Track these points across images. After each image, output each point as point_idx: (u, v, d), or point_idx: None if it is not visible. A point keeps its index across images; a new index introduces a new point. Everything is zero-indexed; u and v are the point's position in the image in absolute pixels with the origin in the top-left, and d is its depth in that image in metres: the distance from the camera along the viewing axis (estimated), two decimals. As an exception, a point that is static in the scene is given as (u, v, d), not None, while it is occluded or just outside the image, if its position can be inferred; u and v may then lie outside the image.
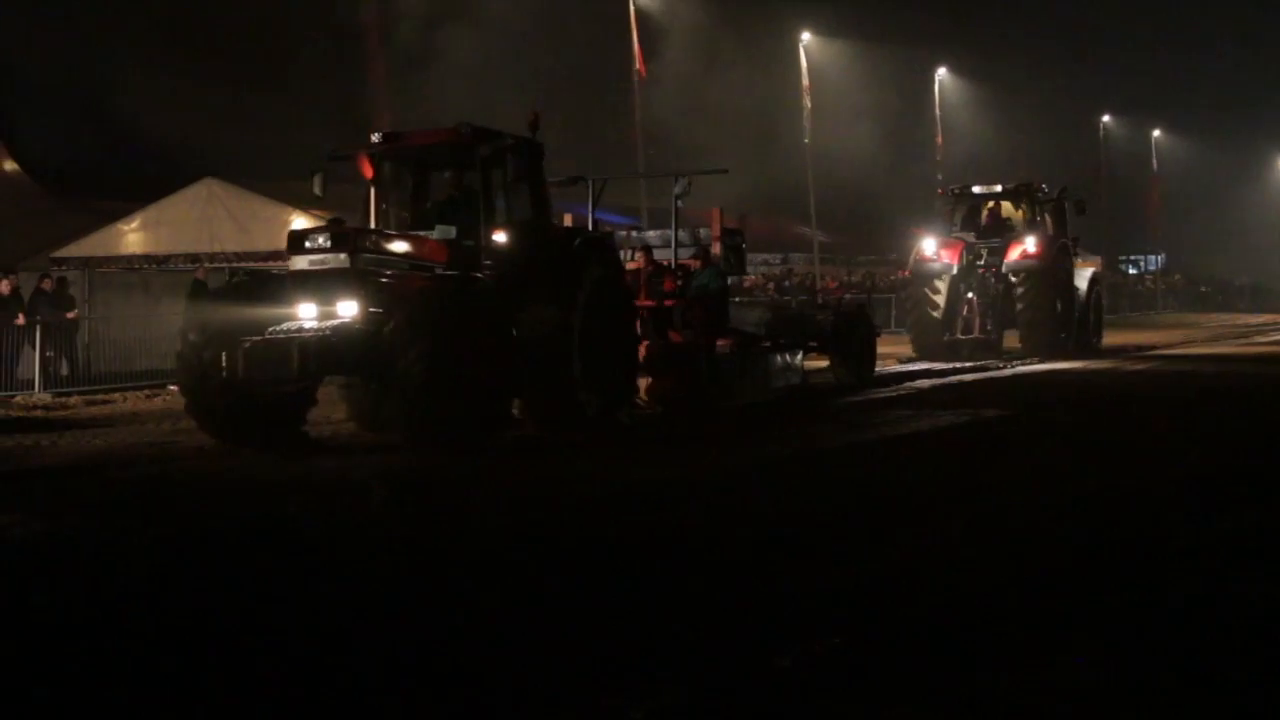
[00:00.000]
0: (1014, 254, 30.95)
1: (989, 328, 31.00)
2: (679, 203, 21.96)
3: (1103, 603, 7.74)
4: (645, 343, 19.54)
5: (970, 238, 31.80)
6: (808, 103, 51.70)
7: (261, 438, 15.33)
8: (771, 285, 43.70)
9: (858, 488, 12.25)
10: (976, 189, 32.78)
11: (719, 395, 20.07)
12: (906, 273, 35.77)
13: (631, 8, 40.65)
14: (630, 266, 21.39)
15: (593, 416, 16.66)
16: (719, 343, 20.83)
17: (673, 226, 22.21)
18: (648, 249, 22.03)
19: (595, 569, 8.93)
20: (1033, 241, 30.90)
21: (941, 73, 65.19)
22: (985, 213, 32.47)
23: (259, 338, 14.95)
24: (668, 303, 20.87)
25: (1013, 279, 30.70)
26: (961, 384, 23.68)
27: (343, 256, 15.27)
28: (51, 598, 8.49)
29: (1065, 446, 14.72)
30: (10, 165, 47.24)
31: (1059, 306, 30.87)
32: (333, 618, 7.74)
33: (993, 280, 31.22)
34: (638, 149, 41.87)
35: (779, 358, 22.28)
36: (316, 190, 17.78)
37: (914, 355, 30.57)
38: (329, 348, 14.79)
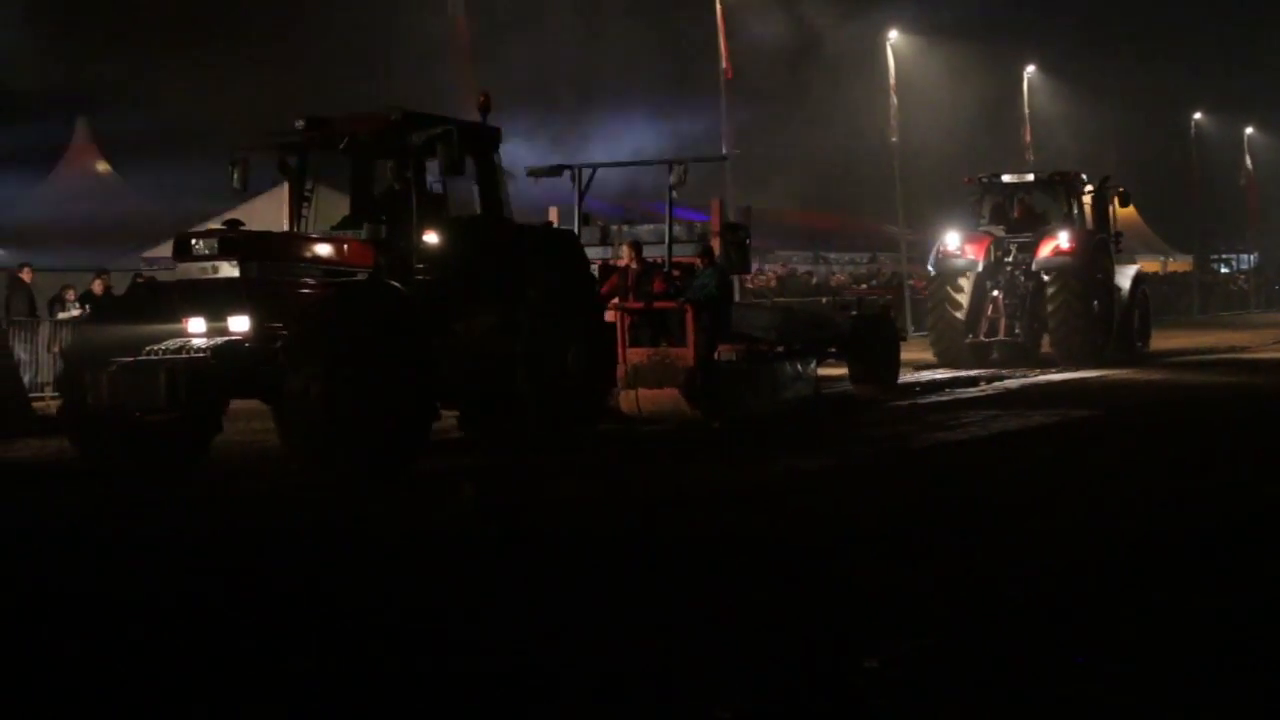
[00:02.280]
0: (1045, 250, 27.68)
1: (1017, 330, 27.90)
2: (673, 193, 19.63)
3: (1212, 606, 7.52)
4: (634, 351, 17.86)
5: (999, 232, 28.62)
6: (894, 100, 50.29)
7: (153, 465, 13.44)
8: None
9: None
10: (1006, 178, 29.60)
11: (718, 408, 17.92)
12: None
13: (719, 7, 38.99)
14: (619, 265, 19.55)
15: (548, 434, 14.75)
16: (724, 350, 19.03)
17: (667, 221, 19.89)
18: (636, 245, 19.61)
19: (687, 571, 8.81)
20: (1066, 236, 27.58)
21: (1030, 70, 63.41)
22: (1017, 205, 29.18)
23: (129, 359, 13.05)
24: (659, 305, 18.61)
25: (1045, 278, 27.43)
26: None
27: (232, 264, 13.30)
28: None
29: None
30: (103, 166, 46.15)
31: (1095, 308, 27.54)
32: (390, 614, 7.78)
33: (1022, 279, 28.10)
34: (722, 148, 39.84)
35: (788, 365, 20.11)
36: (236, 184, 15.56)
37: (936, 361, 27.66)
38: (205, 371, 12.80)
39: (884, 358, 22.13)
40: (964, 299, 27.69)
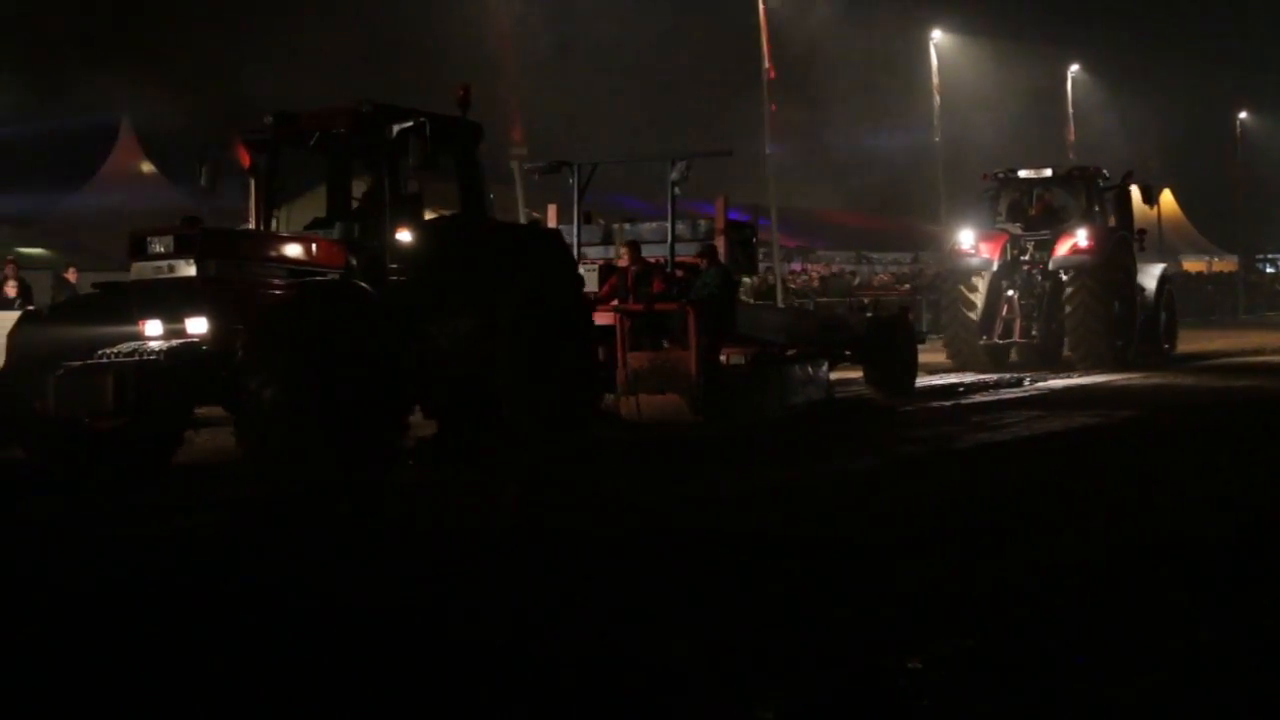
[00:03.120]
0: (1063, 248, 26.39)
1: (1034, 332, 26.67)
2: (676, 190, 18.64)
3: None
4: (634, 355, 17.10)
5: (1016, 229, 27.37)
6: (938, 100, 50.62)
7: (106, 473, 12.59)
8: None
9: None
10: (1023, 173, 28.23)
11: (722, 413, 17.05)
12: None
13: (761, 6, 38.64)
14: (618, 265, 18.74)
15: (531, 443, 13.89)
16: (732, 352, 18.22)
17: (669, 219, 18.83)
18: (634, 245, 18.72)
19: (733, 570, 8.65)
20: (1085, 234, 26.31)
21: (1074, 69, 63.44)
22: (1035, 201, 27.88)
23: (77, 363, 12.35)
24: (659, 307, 17.71)
25: (1063, 277, 26.05)
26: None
27: (189, 263, 12.59)
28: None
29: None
30: (148, 167, 45.22)
31: (1116, 309, 26.21)
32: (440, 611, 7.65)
33: (1039, 278, 26.84)
34: (764, 149, 40.11)
35: (798, 368, 19.23)
36: (203, 183, 14.79)
37: (949, 364, 26.48)
38: (156, 375, 12.07)
39: (901, 361, 21.21)
40: (978, 299, 26.54)
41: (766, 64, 38.39)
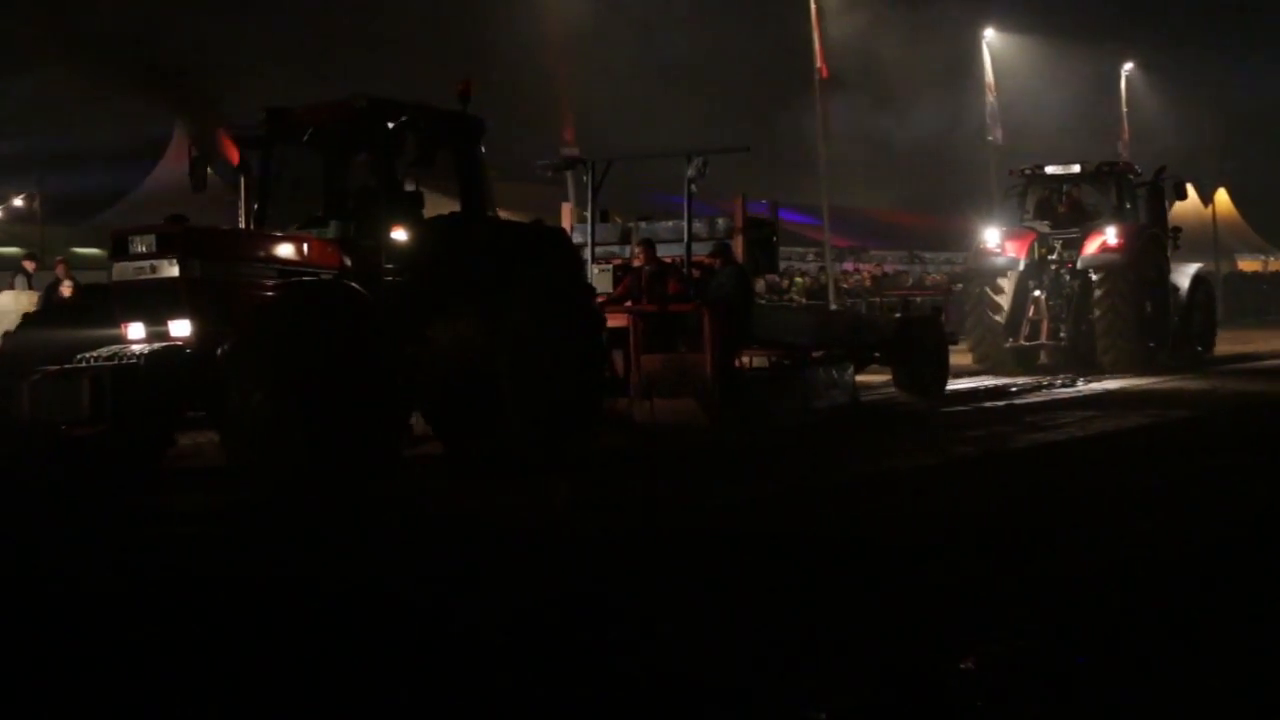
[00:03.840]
0: (1091, 246, 25.37)
1: (1062, 334, 25.76)
2: (692, 187, 17.94)
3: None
4: (648, 357, 16.63)
5: (1044, 227, 26.39)
6: (991, 98, 50.11)
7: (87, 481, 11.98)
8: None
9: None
10: (1051, 169, 27.24)
11: (739, 418, 16.45)
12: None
13: (813, 5, 38.04)
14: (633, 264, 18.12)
15: (533, 450, 13.18)
16: (755, 355, 17.92)
17: (685, 218, 18.14)
18: (649, 244, 18.03)
19: (781, 569, 8.52)
20: (1114, 232, 25.27)
21: (1128, 67, 62.54)
22: (1064, 198, 26.84)
23: (54, 368, 11.74)
24: (674, 308, 17.10)
25: (1093, 277, 25.04)
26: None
27: (171, 263, 12.01)
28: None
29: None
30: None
31: (1148, 309, 25.25)
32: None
33: (1067, 277, 25.89)
34: (819, 149, 39.38)
35: (821, 371, 18.53)
36: (194, 183, 14.04)
37: (976, 366, 25.59)
38: (134, 380, 11.43)
39: (931, 363, 20.52)
40: (1004, 300, 25.63)
41: (819, 63, 37.90)
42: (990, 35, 51.81)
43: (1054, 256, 25.94)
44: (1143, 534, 9.49)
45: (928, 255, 52.25)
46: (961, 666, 6.33)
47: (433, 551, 9.45)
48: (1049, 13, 61.68)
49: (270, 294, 11.98)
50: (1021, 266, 25.64)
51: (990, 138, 49.89)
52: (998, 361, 25.28)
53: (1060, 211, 26.60)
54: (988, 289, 25.64)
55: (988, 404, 19.55)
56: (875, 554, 8.92)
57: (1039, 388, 21.78)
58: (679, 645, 6.80)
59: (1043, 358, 26.08)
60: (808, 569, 8.51)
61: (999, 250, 25.76)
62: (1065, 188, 27.00)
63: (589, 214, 18.53)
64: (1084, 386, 22.06)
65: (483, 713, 5.93)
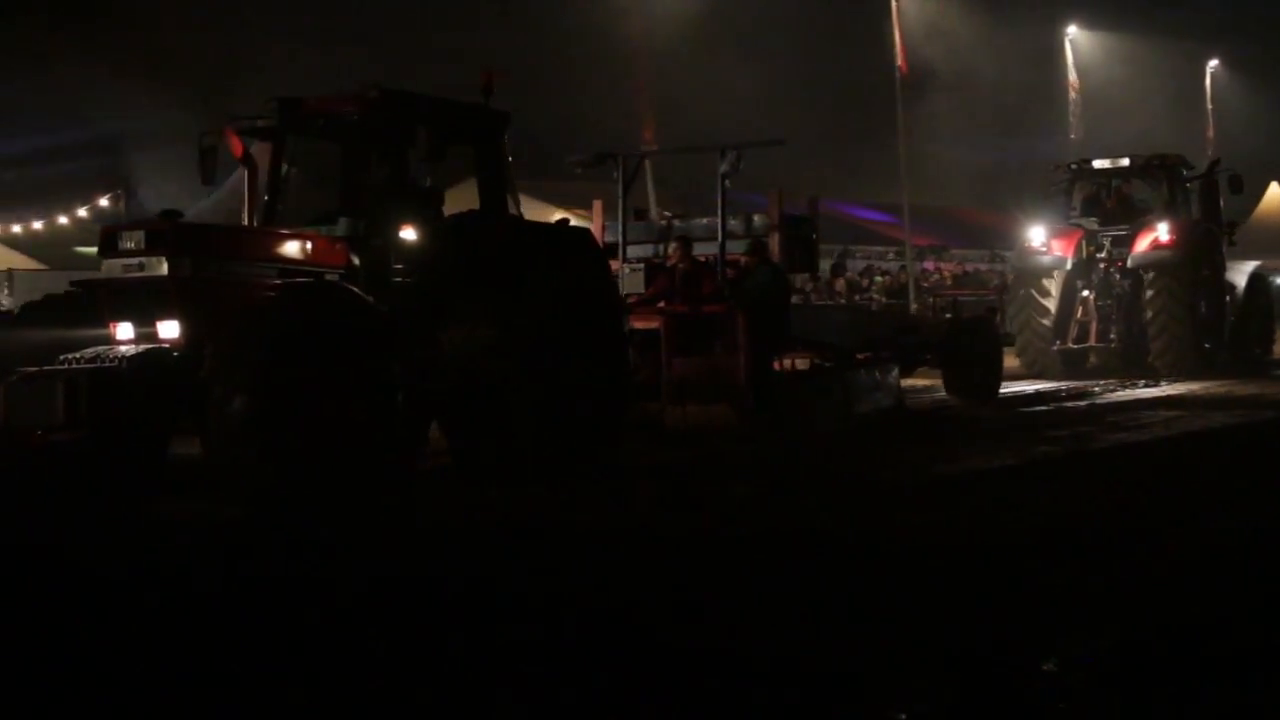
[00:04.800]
0: (1142, 244, 24.17)
1: (1112, 336, 24.63)
2: (726, 183, 17.02)
3: None
4: (680, 360, 15.90)
5: (1092, 224, 25.19)
6: (1074, 96, 49.76)
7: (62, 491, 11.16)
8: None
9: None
10: (1098, 163, 26.05)
11: (776, 423, 15.67)
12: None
13: (894, 3, 37.90)
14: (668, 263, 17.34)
15: (548, 463, 12.44)
16: (796, 358, 16.86)
17: (719, 214, 17.18)
18: (685, 242, 17.17)
19: (861, 568, 8.51)
20: (1166, 228, 24.03)
21: (1213, 64, 61.54)
22: (1112, 194, 25.64)
23: (32, 370, 11.06)
24: (708, 309, 16.37)
25: (1145, 276, 23.87)
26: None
27: (160, 261, 11.27)
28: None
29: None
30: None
31: (1202, 310, 24.06)
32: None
33: (1117, 277, 24.72)
34: (899, 146, 39.22)
35: (864, 374, 17.56)
36: (201, 175, 13.37)
37: (1023, 370, 24.44)
38: (112, 384, 10.76)
39: (982, 366, 19.49)
40: (1052, 302, 24.42)
41: (899, 60, 37.49)
42: (1073, 32, 51.02)
43: (1103, 255, 24.75)
44: (1232, 532, 9.34)
45: (1008, 254, 51.40)
46: (1044, 668, 6.25)
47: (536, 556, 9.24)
48: (1133, 10, 60.61)
49: (258, 296, 11.29)
50: (1069, 266, 24.45)
51: (1073, 135, 49.13)
52: (1045, 365, 24.19)
53: (1109, 207, 25.40)
54: (1033, 291, 24.48)
55: (1039, 408, 18.87)
56: (957, 554, 8.82)
57: (1089, 394, 20.85)
58: (767, 646, 6.75)
59: (1093, 359, 24.96)
60: (892, 569, 8.46)
61: (1044, 249, 24.60)
62: (1114, 182, 25.81)
63: (620, 210, 17.73)
64: (1143, 390, 21.08)
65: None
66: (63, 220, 39.35)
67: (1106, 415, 17.34)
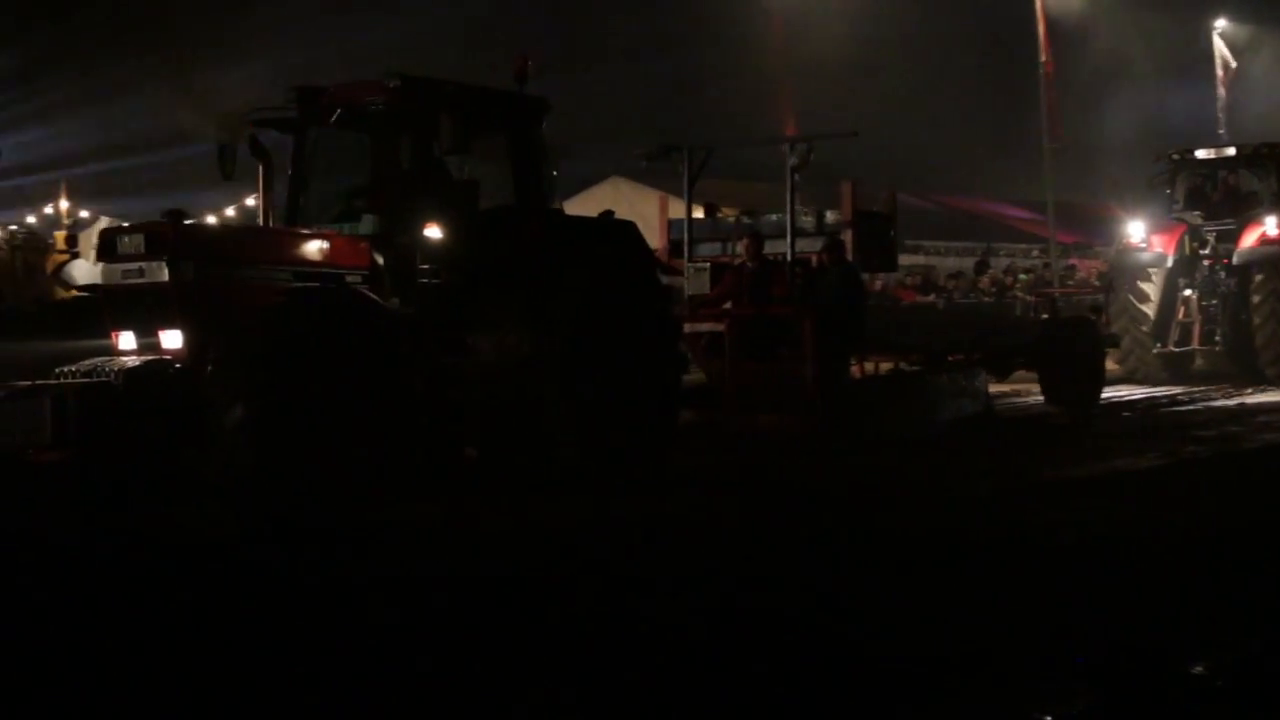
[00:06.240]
0: (1249, 239, 22.62)
1: (1217, 337, 22.95)
2: (796, 176, 15.90)
3: None
4: (747, 365, 15.01)
5: (1196, 219, 23.50)
6: (1222, 92, 47.52)
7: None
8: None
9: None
10: (1201, 153, 24.41)
11: (848, 430, 14.52)
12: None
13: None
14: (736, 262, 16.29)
15: (590, 475, 11.60)
16: (880, 362, 16.85)
17: (788, 210, 15.98)
18: (755, 238, 15.93)
19: (1010, 567, 8.46)
20: (1275, 222, 22.49)
21: None
22: (1217, 186, 24.03)
23: (23, 384, 10.36)
24: (776, 310, 15.38)
25: (1253, 274, 22.28)
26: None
27: (161, 265, 10.48)
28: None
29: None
30: None
31: None
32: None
33: (1222, 274, 23.01)
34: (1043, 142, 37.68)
35: (946, 379, 16.52)
36: (225, 172, 12.38)
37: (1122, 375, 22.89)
38: (104, 400, 10.04)
39: (1082, 371, 17.93)
40: (1151, 301, 22.89)
41: (1044, 57, 36.08)
42: (1222, 25, 48.94)
43: (1207, 251, 23.08)
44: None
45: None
46: (1194, 671, 6.19)
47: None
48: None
49: (261, 302, 10.49)
50: (1170, 263, 22.92)
51: (1221, 131, 46.83)
52: (1146, 369, 22.70)
53: (1214, 200, 23.80)
54: (1132, 290, 22.97)
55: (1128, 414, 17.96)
56: (1104, 554, 8.76)
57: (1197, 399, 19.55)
58: (916, 640, 6.75)
59: (1198, 362, 23.41)
60: (1040, 567, 8.41)
61: (1144, 245, 23.13)
62: (1220, 173, 24.22)
63: (686, 205, 16.76)
64: (1252, 397, 19.69)
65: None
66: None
67: (1223, 422, 16.52)
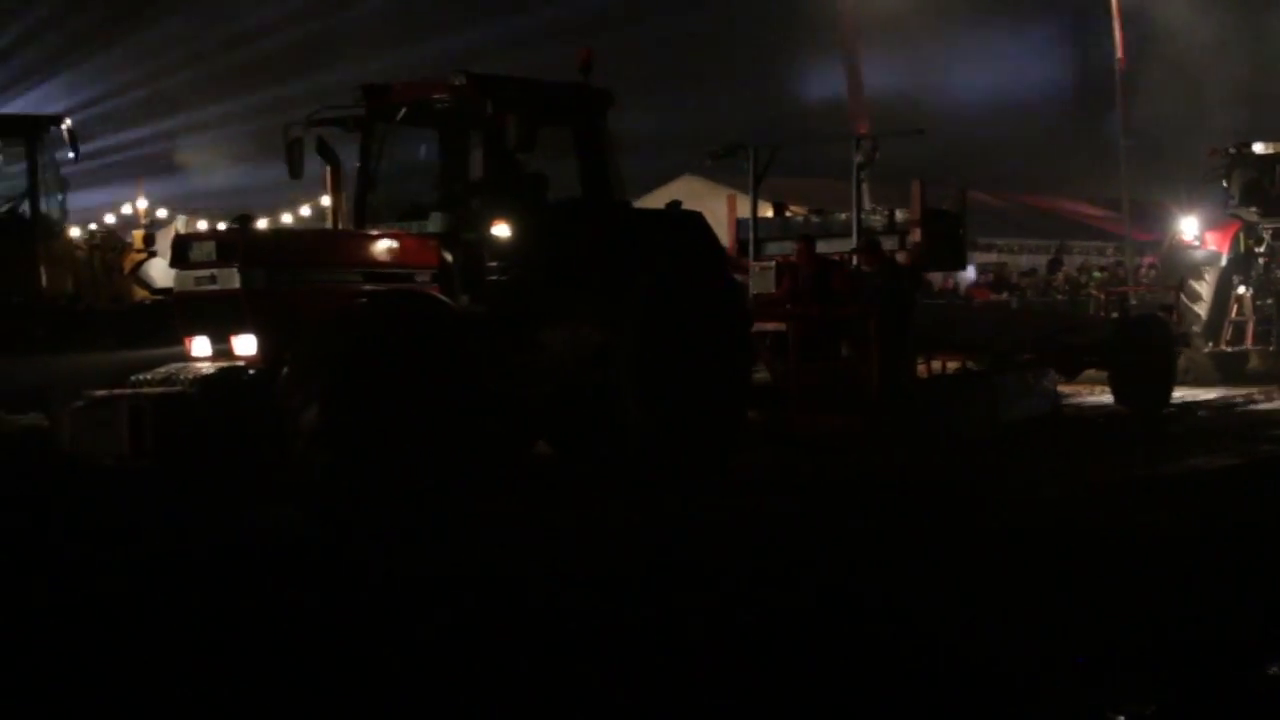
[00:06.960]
0: None
1: (1272, 338, 22.47)
2: (861, 174, 16.07)
3: None
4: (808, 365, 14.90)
5: (1252, 215, 23.02)
6: None
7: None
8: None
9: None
10: (1259, 147, 23.78)
11: (911, 430, 14.37)
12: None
13: None
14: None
15: (661, 472, 11.60)
16: (947, 360, 16.62)
17: (853, 208, 16.01)
18: (809, 241, 15.84)
19: (1087, 566, 8.43)
20: (1334, 219, 21.75)
21: None
22: (1275, 181, 23.51)
23: (101, 393, 10.34)
24: (835, 310, 15.22)
25: None
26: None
27: (233, 272, 10.42)
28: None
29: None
30: None
31: None
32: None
33: (1278, 273, 22.64)
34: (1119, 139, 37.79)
35: (1013, 379, 16.39)
36: (292, 172, 12.17)
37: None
38: (180, 410, 9.93)
39: (1152, 371, 17.68)
40: (1203, 300, 22.42)
41: (1119, 53, 36.05)
42: None
43: (1262, 249, 22.70)
44: None
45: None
46: (1271, 671, 6.19)
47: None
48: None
49: (332, 306, 10.50)
50: (1224, 261, 22.53)
51: None
52: (1198, 370, 22.07)
53: (1272, 196, 23.25)
54: (1184, 289, 22.57)
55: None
56: (1183, 552, 8.79)
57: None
58: (988, 640, 6.78)
59: (1253, 363, 22.82)
60: (1122, 566, 8.44)
61: (1197, 242, 22.84)
62: (1277, 168, 23.54)
63: (752, 202, 16.68)
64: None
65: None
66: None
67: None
